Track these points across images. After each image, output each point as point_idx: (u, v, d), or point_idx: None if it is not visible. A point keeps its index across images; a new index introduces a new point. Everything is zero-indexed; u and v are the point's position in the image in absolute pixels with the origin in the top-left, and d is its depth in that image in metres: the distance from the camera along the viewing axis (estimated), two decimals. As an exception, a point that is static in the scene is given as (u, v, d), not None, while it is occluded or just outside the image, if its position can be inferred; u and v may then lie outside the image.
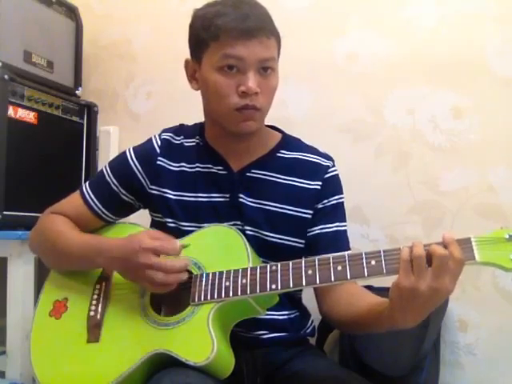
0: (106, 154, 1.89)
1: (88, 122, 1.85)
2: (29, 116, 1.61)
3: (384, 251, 0.91)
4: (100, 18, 2.06)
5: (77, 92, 1.88)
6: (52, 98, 1.71)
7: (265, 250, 1.12)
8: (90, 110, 1.85)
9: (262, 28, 1.06)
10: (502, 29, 1.53)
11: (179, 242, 1.02)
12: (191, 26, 1.13)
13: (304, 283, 0.94)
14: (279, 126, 1.27)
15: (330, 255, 0.95)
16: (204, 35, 1.07)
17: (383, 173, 1.64)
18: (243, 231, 1.12)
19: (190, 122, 1.27)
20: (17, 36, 1.65)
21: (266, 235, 1.14)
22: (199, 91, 1.16)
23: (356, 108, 1.68)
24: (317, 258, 0.96)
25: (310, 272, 0.94)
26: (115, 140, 1.94)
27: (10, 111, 1.54)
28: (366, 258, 0.92)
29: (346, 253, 0.96)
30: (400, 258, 0.87)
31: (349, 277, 0.92)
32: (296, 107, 1.74)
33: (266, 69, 1.08)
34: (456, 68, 1.57)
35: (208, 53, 1.08)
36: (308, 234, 1.17)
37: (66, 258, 1.14)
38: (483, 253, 0.86)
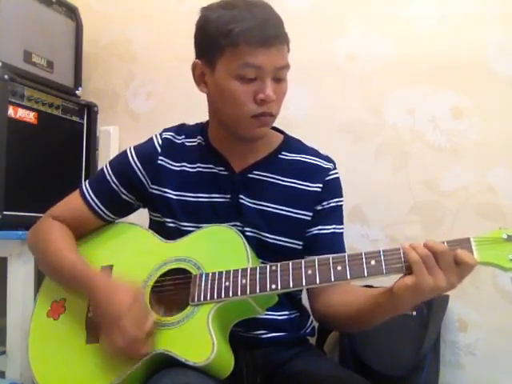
0: (106, 153, 1.88)
1: (88, 122, 1.85)
2: (29, 116, 1.61)
3: (383, 251, 0.92)
4: (100, 18, 2.06)
5: (77, 92, 1.88)
6: (52, 98, 1.70)
7: (264, 251, 1.12)
8: (90, 110, 1.85)
9: (280, 35, 1.06)
10: (503, 29, 1.54)
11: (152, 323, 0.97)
12: (202, 28, 1.10)
13: (304, 283, 0.94)
14: (279, 127, 1.27)
15: (330, 255, 0.95)
16: (221, 40, 1.04)
17: (383, 173, 1.64)
18: (243, 232, 1.12)
19: (190, 122, 1.27)
20: (17, 36, 1.64)
21: (266, 236, 1.14)
22: (201, 92, 1.16)
23: (356, 108, 1.68)
24: (316, 258, 0.96)
25: (309, 272, 0.95)
26: (115, 140, 1.94)
27: (10, 111, 1.54)
28: (365, 258, 0.92)
29: (346, 253, 0.96)
30: (410, 261, 0.88)
31: (349, 277, 0.92)
32: (296, 107, 1.73)
33: (281, 76, 1.08)
34: (456, 68, 1.57)
35: (224, 58, 1.06)
36: (305, 235, 1.17)
37: (55, 275, 1.15)
38: (482, 253, 0.87)
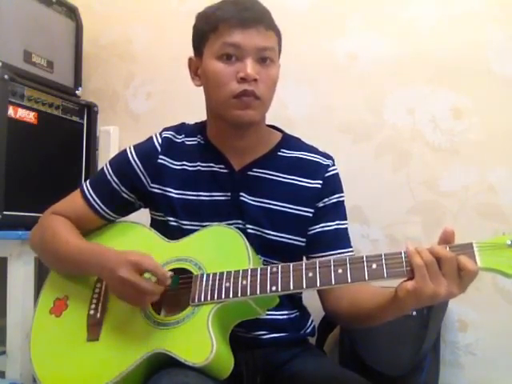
0: (106, 153, 1.88)
1: (88, 122, 1.84)
2: (29, 116, 1.61)
3: (385, 255, 0.91)
4: (100, 18, 2.06)
5: (77, 92, 1.88)
6: (52, 98, 1.70)
7: (266, 249, 1.13)
8: (89, 110, 1.85)
9: (260, 19, 1.09)
10: (503, 29, 1.54)
11: (169, 274, 1.01)
12: (194, 26, 1.16)
13: (304, 286, 0.94)
14: (279, 126, 1.27)
15: (331, 258, 0.96)
16: (204, 28, 1.11)
17: (383, 173, 1.64)
18: (245, 230, 1.13)
19: (190, 122, 1.27)
20: (17, 36, 1.64)
21: (268, 234, 1.15)
22: (202, 90, 1.17)
23: (356, 108, 1.68)
24: (318, 260, 0.96)
25: (310, 274, 0.94)
26: (115, 140, 1.94)
27: (10, 111, 1.54)
28: (366, 262, 0.92)
29: (347, 256, 0.97)
30: (413, 265, 0.87)
31: (349, 280, 0.92)
32: (296, 107, 1.74)
33: (265, 59, 1.09)
34: (456, 68, 1.57)
35: (208, 44, 1.11)
36: (309, 233, 1.18)
37: (63, 262, 1.15)
38: (485, 258, 0.86)
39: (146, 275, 1.00)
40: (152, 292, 0.99)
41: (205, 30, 1.11)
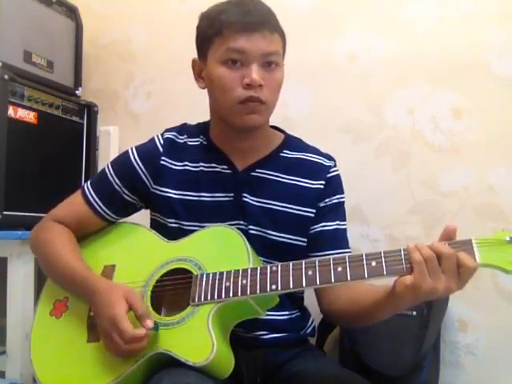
0: (106, 154, 1.88)
1: (88, 122, 1.84)
2: (29, 116, 1.61)
3: (384, 252, 0.92)
4: (100, 18, 2.05)
5: (77, 92, 1.88)
6: (52, 98, 1.70)
7: (268, 249, 1.13)
8: (90, 110, 1.85)
9: (265, 23, 1.08)
10: (503, 29, 1.53)
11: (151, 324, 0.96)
12: (197, 27, 1.16)
13: (304, 284, 0.94)
14: (280, 126, 1.28)
15: (331, 256, 0.96)
16: (208, 32, 1.10)
17: (383, 173, 1.64)
18: (247, 230, 1.13)
19: (190, 122, 1.27)
20: (17, 36, 1.64)
21: (270, 234, 1.15)
22: (202, 90, 1.18)
23: (356, 108, 1.68)
24: (317, 258, 0.97)
25: (310, 273, 0.95)
26: (115, 140, 1.94)
27: (10, 111, 1.54)
28: (366, 259, 0.92)
29: (347, 254, 0.97)
30: (412, 260, 0.88)
31: (349, 278, 0.92)
32: (296, 107, 1.73)
33: (270, 63, 1.09)
34: (456, 68, 1.57)
35: (212, 49, 1.10)
36: (309, 232, 1.18)
37: (56, 278, 1.15)
38: (484, 255, 0.86)
39: None
40: (139, 338, 0.94)
41: (209, 34, 1.10)
